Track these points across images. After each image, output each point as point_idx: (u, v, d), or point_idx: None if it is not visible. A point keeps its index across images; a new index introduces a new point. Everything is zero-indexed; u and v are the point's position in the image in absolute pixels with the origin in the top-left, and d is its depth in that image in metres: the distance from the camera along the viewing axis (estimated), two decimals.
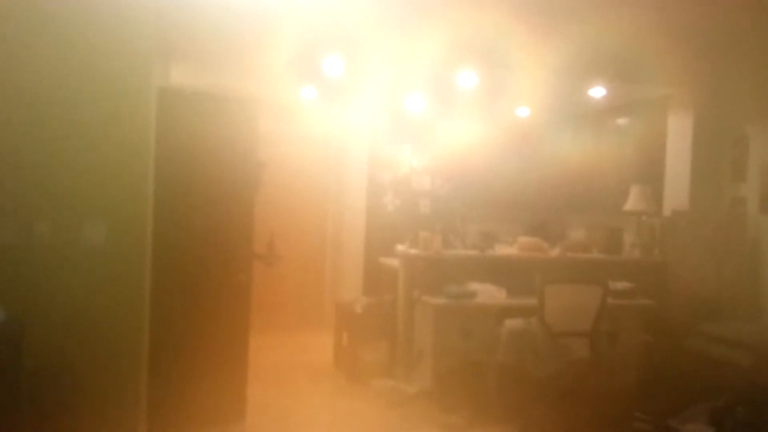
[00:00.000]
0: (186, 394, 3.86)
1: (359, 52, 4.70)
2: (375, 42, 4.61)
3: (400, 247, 4.98)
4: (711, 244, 4.72)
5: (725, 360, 3.94)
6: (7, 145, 3.23)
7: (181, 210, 3.85)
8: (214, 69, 5.48)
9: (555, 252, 5.02)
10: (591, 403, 3.40)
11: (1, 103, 3.21)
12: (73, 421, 3.31)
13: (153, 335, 3.73)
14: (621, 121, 5.94)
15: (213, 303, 3.96)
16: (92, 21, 3.34)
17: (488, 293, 4.60)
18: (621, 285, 4.67)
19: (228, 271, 3.99)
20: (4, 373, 2.85)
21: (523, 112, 6.56)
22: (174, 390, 3.83)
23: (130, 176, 3.47)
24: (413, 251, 4.80)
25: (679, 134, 5.25)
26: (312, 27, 4.43)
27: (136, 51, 3.46)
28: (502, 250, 5.16)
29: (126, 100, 3.45)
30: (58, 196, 3.33)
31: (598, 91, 5.26)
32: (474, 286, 4.63)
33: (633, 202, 5.16)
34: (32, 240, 3.28)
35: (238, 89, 5.22)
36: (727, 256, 4.69)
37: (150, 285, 3.66)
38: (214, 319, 3.96)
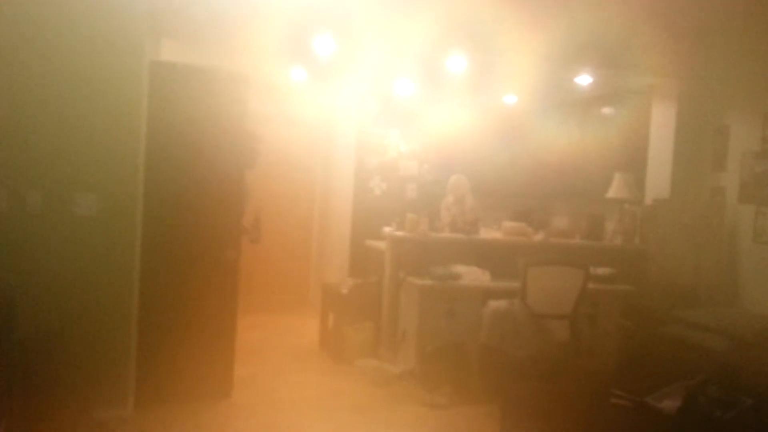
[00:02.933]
0: (174, 367, 3.92)
1: (350, 33, 4.72)
2: (366, 24, 4.63)
3: (387, 229, 5.04)
4: (690, 233, 4.83)
5: (700, 345, 4.05)
6: (4, 116, 3.26)
7: (172, 182, 3.88)
8: (205, 47, 5.46)
9: (539, 237, 5.11)
10: (570, 383, 3.48)
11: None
12: (63, 388, 3.36)
13: (143, 307, 3.78)
14: (606, 109, 6.02)
15: (202, 278, 4.01)
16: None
17: (473, 275, 4.68)
18: (602, 270, 4.77)
19: (217, 246, 4.04)
20: None
21: (511, 99, 6.62)
22: (162, 363, 3.89)
23: (122, 148, 3.53)
24: (400, 233, 4.86)
25: (662, 123, 5.34)
26: (303, 7, 4.44)
27: (129, 25, 3.51)
28: (488, 233, 5.24)
29: (118, 73, 3.50)
30: (51, 167, 3.39)
31: (584, 79, 5.35)
32: (459, 268, 4.71)
33: (615, 189, 5.25)
34: (24, 209, 3.34)
35: (229, 67, 5.22)
36: (706, 244, 4.81)
37: (140, 256, 3.70)
38: (203, 294, 4.02)
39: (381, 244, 5.16)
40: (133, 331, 3.71)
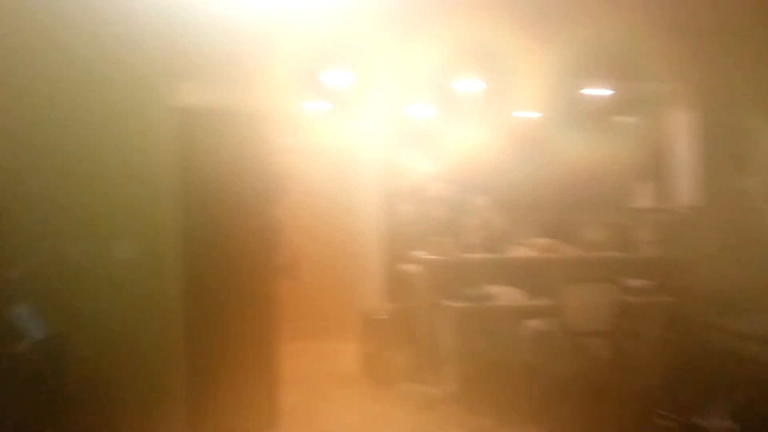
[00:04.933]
0: (221, 402, 3.98)
1: (364, 62, 4.81)
2: (379, 51, 4.71)
3: (417, 253, 5.09)
4: (723, 238, 4.82)
5: (747, 356, 3.99)
6: (40, 170, 3.41)
7: (205, 226, 3.96)
8: (225, 86, 5.57)
9: (570, 252, 5.13)
10: (614, 402, 3.51)
11: (33, 134, 3.39)
12: (110, 429, 3.43)
13: (188, 345, 3.85)
14: (626, 118, 6.04)
15: (241, 313, 4.08)
16: (109, 52, 3.52)
17: (507, 295, 4.71)
18: (638, 282, 4.75)
19: (253, 283, 4.12)
20: (48, 386, 3.00)
21: (529, 114, 6.65)
22: (210, 399, 3.96)
23: (154, 195, 3.63)
24: (430, 256, 4.91)
25: (683, 129, 5.34)
26: (316, 40, 4.53)
27: (151, 74, 3.62)
28: (518, 252, 5.26)
29: (145, 122, 3.61)
30: (90, 217, 3.50)
31: (601, 90, 5.39)
32: (493, 288, 4.74)
33: (642, 198, 5.26)
34: (68, 259, 3.44)
35: (248, 104, 5.33)
36: (739, 248, 4.79)
37: (182, 297, 3.79)
38: (243, 329, 4.09)
39: (414, 268, 5.22)
40: (180, 371, 3.78)
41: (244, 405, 4.08)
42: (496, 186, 6.19)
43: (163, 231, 3.66)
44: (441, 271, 4.92)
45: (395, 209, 6.73)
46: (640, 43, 4.74)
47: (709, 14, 4.63)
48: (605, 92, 5.40)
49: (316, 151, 7.06)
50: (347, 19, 4.49)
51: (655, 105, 5.66)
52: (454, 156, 6.86)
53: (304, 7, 4.44)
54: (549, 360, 4.26)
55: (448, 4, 4.51)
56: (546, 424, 3.48)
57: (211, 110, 4.14)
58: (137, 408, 3.57)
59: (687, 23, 4.75)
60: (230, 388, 4.03)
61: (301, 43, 4.47)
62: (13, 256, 3.25)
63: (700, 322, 4.55)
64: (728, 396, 2.99)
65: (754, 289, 4.72)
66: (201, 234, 3.96)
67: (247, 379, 4.10)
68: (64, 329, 3.26)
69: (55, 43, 3.43)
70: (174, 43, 3.80)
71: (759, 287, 4.72)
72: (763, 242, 4.78)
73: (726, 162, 5.13)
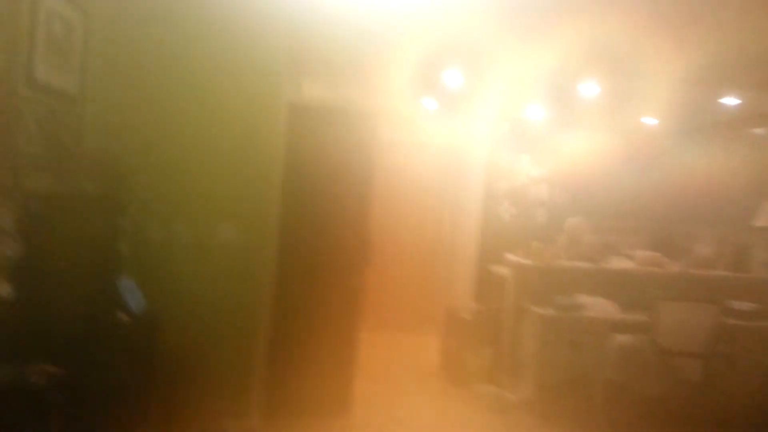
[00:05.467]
0: (299, 383, 4.14)
1: (479, 63, 4.77)
2: (495, 53, 4.65)
3: (510, 257, 4.99)
4: None
5: None
6: (152, 153, 3.67)
7: (304, 214, 4.12)
8: (341, 83, 5.77)
9: (675, 268, 4.79)
10: (702, 428, 3.24)
11: (149, 119, 3.67)
12: (197, 402, 3.65)
13: (272, 326, 4.04)
14: (756, 130, 5.55)
15: (327, 300, 4.20)
16: (231, 44, 3.72)
17: (598, 307, 4.49)
18: (745, 305, 4.37)
19: (343, 273, 4.23)
20: (142, 358, 3.23)
21: (649, 120, 6.29)
22: (288, 379, 4.11)
23: (259, 182, 3.80)
24: (523, 261, 4.79)
25: None
26: (431, 39, 4.56)
27: (269, 69, 3.79)
28: (618, 263, 4.99)
29: (260, 115, 3.79)
30: (195, 199, 3.73)
31: (730, 100, 4.99)
32: (584, 298, 4.54)
33: (765, 218, 4.81)
34: (172, 238, 3.70)
35: (361, 101, 5.48)
36: None
37: (272, 281, 3.96)
38: (327, 315, 4.21)
39: (505, 270, 5.11)
40: (262, 349, 3.95)
41: (322, 389, 4.19)
42: (604, 193, 5.91)
43: (264, 217, 3.82)
44: (533, 276, 4.79)
45: (496, 210, 6.62)
46: None
47: None
48: (734, 102, 4.99)
49: (424, 148, 7.13)
50: (464, 19, 4.49)
51: None
52: (563, 160, 6.65)
53: (421, 7, 4.50)
54: (634, 377, 4.01)
55: (570, 3, 4.38)
56: None
57: (325, 106, 4.29)
58: (221, 384, 3.76)
59: None
60: (310, 372, 4.16)
61: (416, 42, 4.53)
62: (126, 232, 3.53)
63: None
64: None
65: None
66: (299, 222, 4.10)
67: (328, 365, 4.22)
68: (162, 305, 3.42)
69: (178, 35, 3.68)
70: (293, 40, 3.97)
71: None
72: None
73: None
